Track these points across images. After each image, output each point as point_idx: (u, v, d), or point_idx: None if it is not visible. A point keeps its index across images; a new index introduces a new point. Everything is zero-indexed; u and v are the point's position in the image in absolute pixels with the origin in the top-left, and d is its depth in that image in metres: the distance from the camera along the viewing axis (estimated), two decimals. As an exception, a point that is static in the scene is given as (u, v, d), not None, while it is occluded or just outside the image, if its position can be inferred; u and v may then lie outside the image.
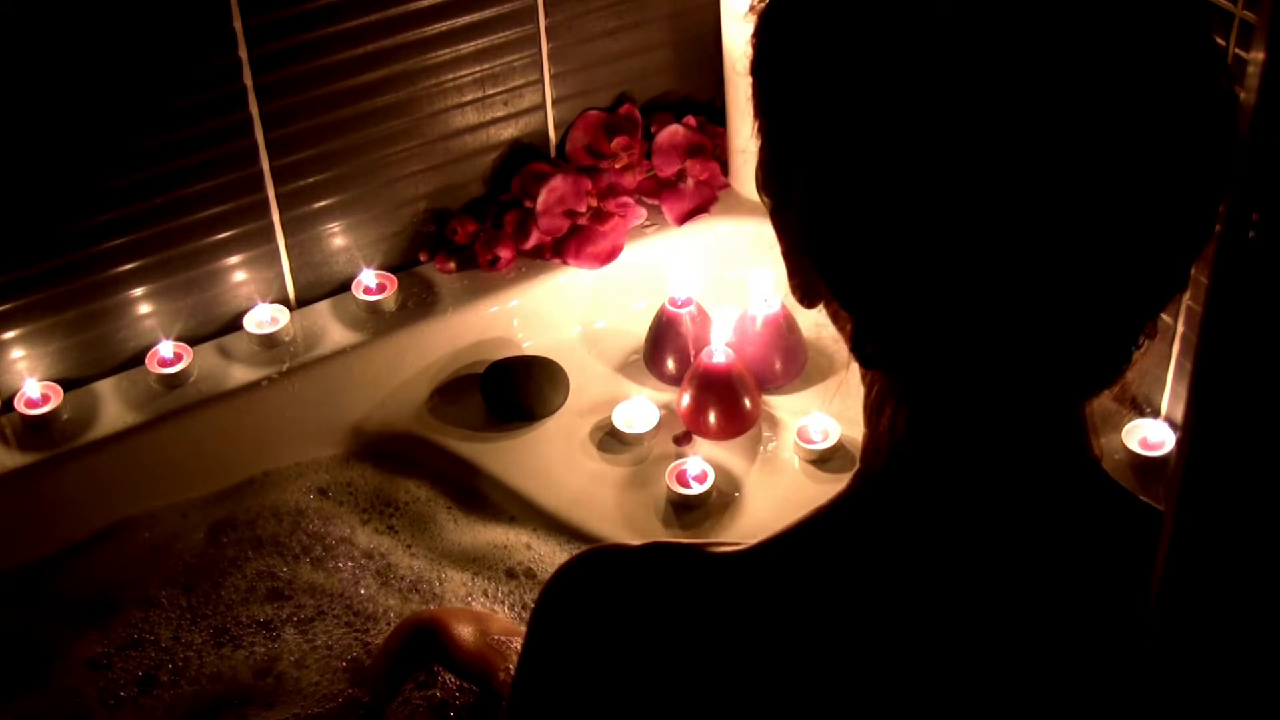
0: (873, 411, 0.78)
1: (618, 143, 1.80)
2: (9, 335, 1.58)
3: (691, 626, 0.75)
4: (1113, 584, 0.74)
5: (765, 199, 0.75)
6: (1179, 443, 0.53)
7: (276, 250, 1.68)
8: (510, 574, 1.53)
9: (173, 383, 1.62)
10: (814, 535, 0.77)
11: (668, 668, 0.75)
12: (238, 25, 1.54)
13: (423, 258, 1.78)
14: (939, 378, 0.71)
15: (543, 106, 1.79)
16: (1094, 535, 0.75)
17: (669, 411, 1.66)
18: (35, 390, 1.58)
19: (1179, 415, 1.52)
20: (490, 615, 1.42)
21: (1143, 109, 0.65)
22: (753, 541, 0.77)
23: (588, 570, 0.80)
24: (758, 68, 0.73)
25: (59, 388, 1.59)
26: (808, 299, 0.76)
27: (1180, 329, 1.50)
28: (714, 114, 1.88)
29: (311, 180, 1.67)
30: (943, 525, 0.74)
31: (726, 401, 1.61)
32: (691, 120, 1.84)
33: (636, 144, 1.81)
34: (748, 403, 1.62)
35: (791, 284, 0.76)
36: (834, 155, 0.68)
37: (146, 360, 1.63)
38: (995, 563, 0.74)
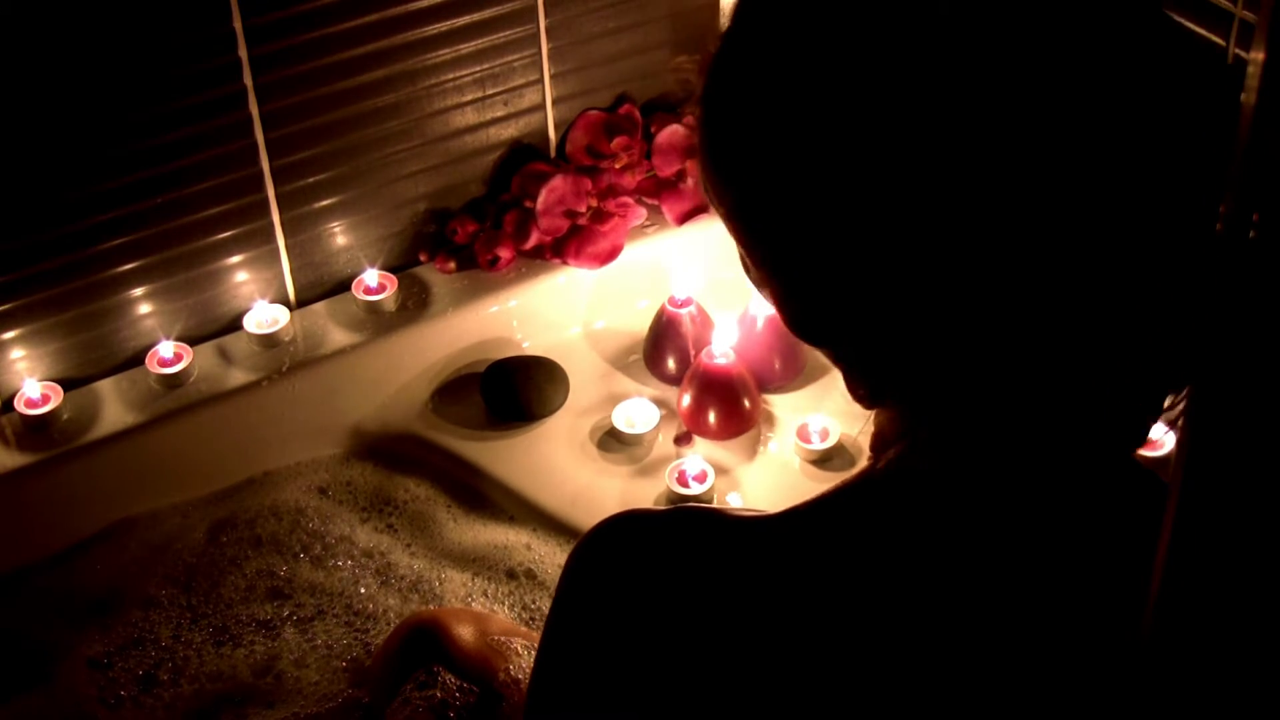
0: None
1: (618, 143, 1.80)
2: (9, 335, 1.58)
3: (717, 588, 0.76)
4: (1136, 559, 0.75)
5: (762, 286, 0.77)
6: (1179, 443, 0.53)
7: (276, 250, 1.68)
8: (510, 574, 1.53)
9: (173, 383, 1.62)
10: (842, 505, 0.77)
11: (693, 627, 0.75)
12: (238, 25, 1.54)
13: (423, 258, 1.78)
14: (947, 415, 0.73)
15: (543, 106, 1.79)
16: (1118, 509, 0.76)
17: (669, 411, 1.66)
18: (35, 390, 1.58)
19: (1179, 415, 1.51)
20: (490, 615, 1.42)
21: (1155, 163, 0.66)
22: (781, 509, 0.78)
23: (617, 533, 0.81)
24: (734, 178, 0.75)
25: (59, 388, 1.59)
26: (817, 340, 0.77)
27: (1180, 329, 1.50)
28: (714, 114, 1.88)
29: (311, 180, 1.67)
30: (968, 497, 0.74)
31: (726, 401, 1.61)
32: (692, 120, 1.84)
33: (636, 144, 1.81)
34: (748, 403, 1.62)
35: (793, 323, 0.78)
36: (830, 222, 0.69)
37: (146, 360, 1.63)
38: (1020, 537, 0.74)
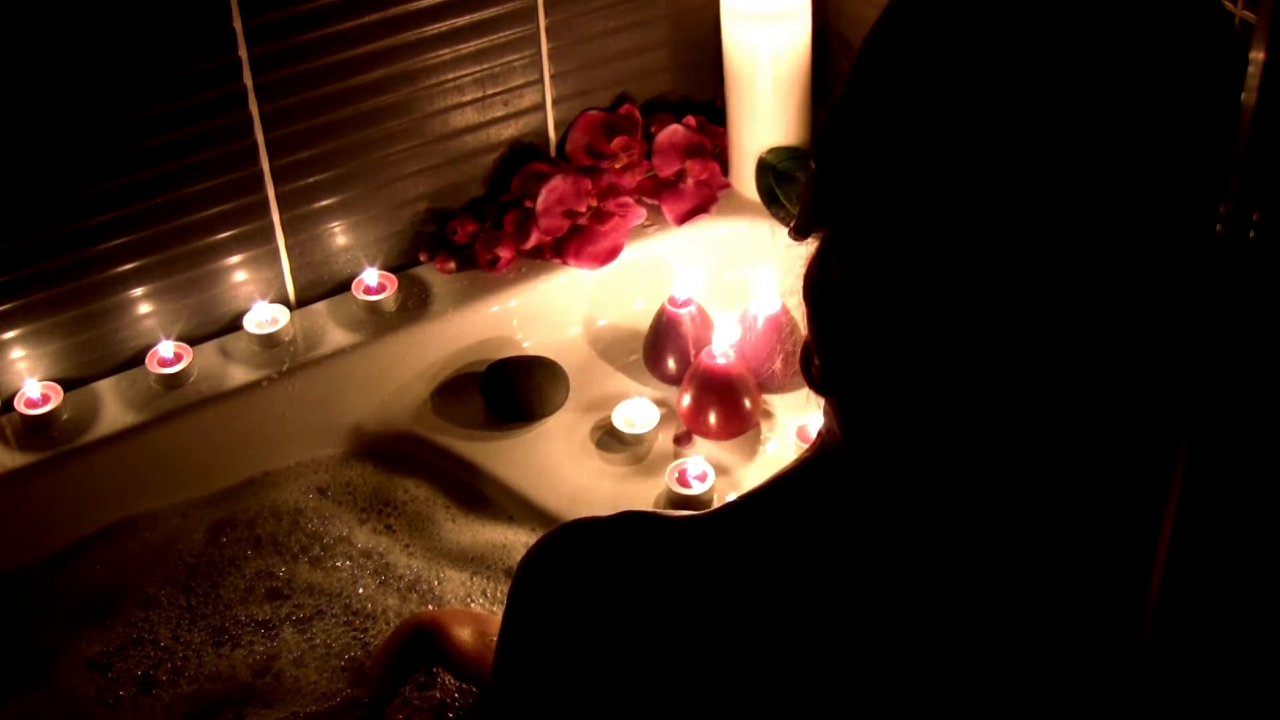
0: None
1: (618, 143, 1.80)
2: (9, 335, 1.58)
3: (659, 588, 0.78)
4: (1081, 559, 0.75)
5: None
6: (1179, 443, 0.53)
7: (276, 250, 1.68)
8: (509, 574, 1.53)
9: (173, 383, 1.62)
10: (775, 498, 0.80)
11: (639, 628, 0.77)
12: (238, 25, 1.54)
13: (423, 258, 1.78)
14: (872, 436, 0.73)
15: (543, 106, 1.79)
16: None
17: (669, 411, 1.66)
18: (35, 390, 1.58)
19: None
20: (489, 616, 1.42)
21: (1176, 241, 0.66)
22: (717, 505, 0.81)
23: (562, 542, 0.84)
24: (865, 60, 0.73)
25: (59, 388, 1.59)
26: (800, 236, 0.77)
27: (1180, 329, 1.49)
28: (714, 114, 1.88)
29: (311, 180, 1.67)
30: (901, 491, 0.75)
31: (726, 401, 1.61)
32: (691, 120, 1.84)
33: (636, 144, 1.81)
34: (748, 403, 1.62)
35: (791, 233, 0.77)
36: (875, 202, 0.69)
37: (146, 360, 1.63)
38: (958, 529, 0.74)
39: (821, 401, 0.79)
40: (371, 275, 1.73)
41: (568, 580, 0.81)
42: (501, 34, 1.71)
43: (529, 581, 0.84)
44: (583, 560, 0.81)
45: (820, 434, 0.80)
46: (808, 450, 0.81)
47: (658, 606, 0.77)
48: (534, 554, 0.85)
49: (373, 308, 1.71)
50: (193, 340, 1.66)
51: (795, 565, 0.76)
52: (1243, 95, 0.48)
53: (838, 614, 0.75)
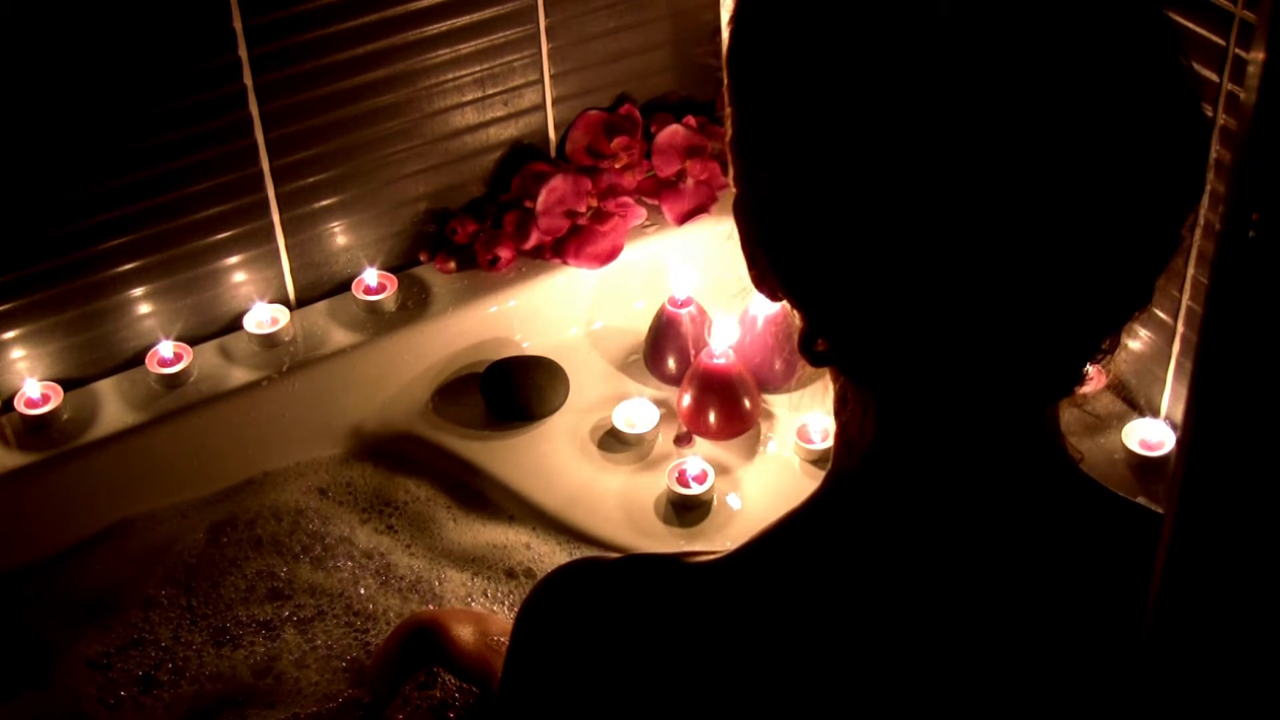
0: (838, 407, 0.77)
1: (618, 143, 1.80)
2: (9, 335, 1.58)
3: (670, 638, 0.75)
4: (1089, 579, 0.74)
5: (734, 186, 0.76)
6: (1179, 443, 0.53)
7: (276, 250, 1.68)
8: (510, 574, 1.53)
9: (173, 383, 1.62)
10: (789, 539, 0.77)
11: (648, 679, 0.75)
12: (238, 25, 1.54)
13: (423, 258, 1.78)
14: (890, 379, 0.71)
15: (543, 106, 1.79)
16: (1070, 530, 0.75)
17: (669, 411, 1.66)
18: (35, 390, 1.58)
19: (1179, 415, 1.52)
20: (490, 616, 1.42)
21: (1115, 122, 0.65)
22: (729, 549, 0.78)
23: (566, 585, 0.80)
24: (731, 56, 0.73)
25: (59, 388, 1.59)
26: (766, 289, 0.76)
27: (1180, 329, 1.50)
28: (714, 114, 1.88)
29: (311, 180, 1.67)
30: (918, 524, 0.74)
31: (726, 401, 1.61)
32: (691, 120, 1.84)
33: (636, 144, 1.81)
34: (748, 403, 1.62)
35: (750, 274, 0.76)
36: (798, 149, 0.67)
37: (146, 360, 1.63)
38: (972, 560, 0.73)
39: (827, 399, 0.78)
40: (371, 275, 1.73)
41: (572, 630, 0.78)
42: (501, 34, 1.71)
43: (532, 627, 0.81)
44: (591, 605, 0.78)
45: (830, 473, 0.78)
46: (820, 487, 0.78)
47: (670, 658, 0.74)
48: (536, 598, 0.81)
49: (373, 308, 1.71)
50: (193, 340, 1.66)
51: (823, 608, 0.74)
52: (1242, 95, 0.48)
53: (871, 657, 0.73)
